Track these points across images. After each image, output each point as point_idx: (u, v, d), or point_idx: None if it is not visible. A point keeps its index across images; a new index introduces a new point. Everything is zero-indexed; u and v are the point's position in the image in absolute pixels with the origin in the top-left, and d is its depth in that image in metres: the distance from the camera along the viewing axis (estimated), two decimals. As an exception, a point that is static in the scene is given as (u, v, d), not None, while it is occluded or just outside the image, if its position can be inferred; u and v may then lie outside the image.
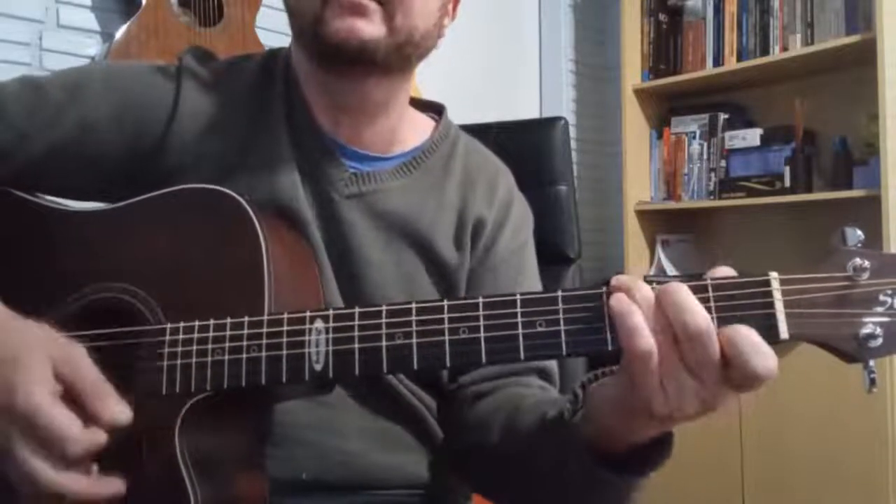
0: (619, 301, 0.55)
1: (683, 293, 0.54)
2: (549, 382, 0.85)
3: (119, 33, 1.67)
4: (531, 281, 0.91)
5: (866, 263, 0.55)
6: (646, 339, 0.53)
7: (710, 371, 0.53)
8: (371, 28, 0.74)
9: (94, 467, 0.61)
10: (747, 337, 0.53)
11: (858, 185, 2.15)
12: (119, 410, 0.60)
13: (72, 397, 0.60)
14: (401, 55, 0.78)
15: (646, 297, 0.55)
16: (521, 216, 0.92)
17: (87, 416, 0.60)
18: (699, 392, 0.54)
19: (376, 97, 0.82)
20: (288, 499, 0.73)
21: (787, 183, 2.30)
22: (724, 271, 0.57)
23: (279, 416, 0.74)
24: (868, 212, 2.02)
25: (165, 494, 0.62)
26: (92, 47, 1.80)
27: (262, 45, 1.84)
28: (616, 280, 0.57)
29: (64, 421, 0.58)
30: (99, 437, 0.59)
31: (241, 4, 1.83)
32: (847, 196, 2.15)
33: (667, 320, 0.54)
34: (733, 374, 0.53)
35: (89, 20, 1.81)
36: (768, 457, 2.15)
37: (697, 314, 0.53)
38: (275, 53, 0.88)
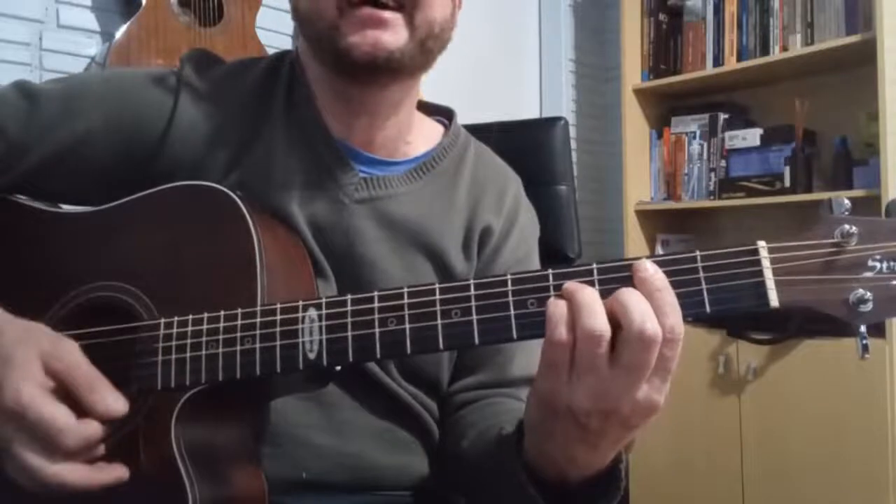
0: (552, 299, 0.54)
1: (586, 293, 0.52)
2: None
3: (119, 33, 1.68)
4: None
5: (854, 229, 0.55)
6: (559, 330, 0.52)
7: (641, 367, 0.51)
8: (395, 38, 0.73)
9: (101, 450, 0.61)
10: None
11: (858, 185, 2.14)
12: (113, 400, 0.61)
13: (65, 392, 0.60)
14: (424, 51, 0.76)
15: (577, 295, 0.53)
16: (526, 226, 0.91)
17: (83, 409, 0.60)
18: (629, 386, 0.52)
19: (393, 98, 0.81)
20: (288, 498, 0.73)
21: (787, 183, 2.30)
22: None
23: (280, 415, 0.74)
24: (868, 212, 1.99)
25: (163, 490, 0.62)
26: (92, 47, 1.81)
27: (262, 45, 1.84)
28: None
29: (54, 414, 0.58)
30: (93, 427, 0.60)
31: (241, 4, 1.83)
32: (847, 196, 2.13)
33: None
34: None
35: (89, 20, 1.81)
36: (768, 457, 2.14)
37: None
38: (281, 57, 0.86)
